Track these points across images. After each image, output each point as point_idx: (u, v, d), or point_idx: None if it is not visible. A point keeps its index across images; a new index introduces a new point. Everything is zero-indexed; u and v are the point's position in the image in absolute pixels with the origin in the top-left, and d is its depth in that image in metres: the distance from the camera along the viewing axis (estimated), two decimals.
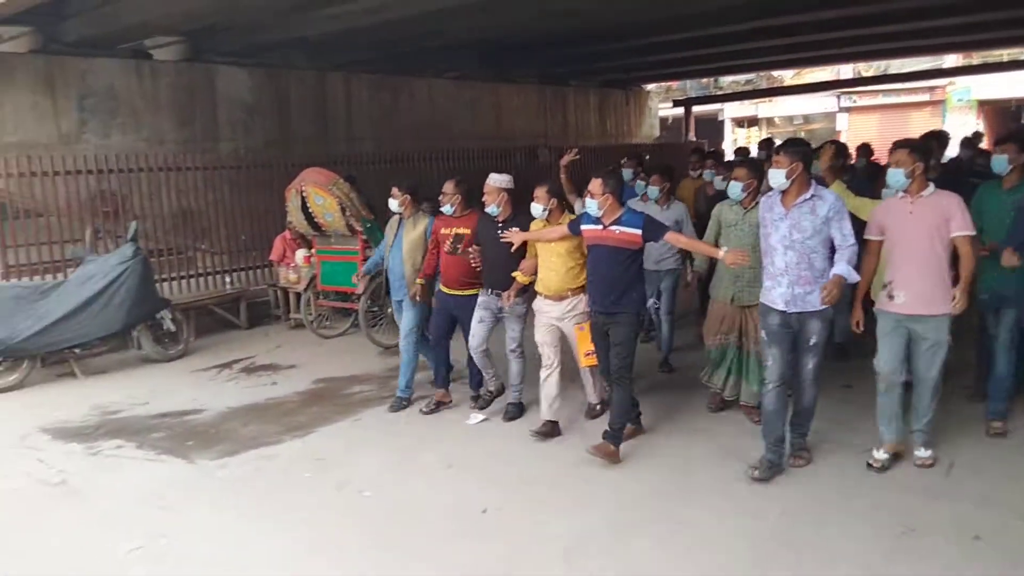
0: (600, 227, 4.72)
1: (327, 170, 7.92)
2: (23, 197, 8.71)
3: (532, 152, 14.02)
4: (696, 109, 21.18)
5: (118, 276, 7.16)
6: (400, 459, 4.97)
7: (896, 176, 4.17)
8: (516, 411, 5.59)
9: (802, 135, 22.74)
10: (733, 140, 25.88)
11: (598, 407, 5.48)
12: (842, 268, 4.11)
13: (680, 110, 21.10)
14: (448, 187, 5.65)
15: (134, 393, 6.59)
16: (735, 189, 5.01)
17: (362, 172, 10.33)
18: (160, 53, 11.25)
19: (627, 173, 7.39)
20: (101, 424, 5.87)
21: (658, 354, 6.70)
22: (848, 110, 24.20)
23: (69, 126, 9.81)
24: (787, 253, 4.22)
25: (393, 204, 5.92)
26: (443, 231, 5.65)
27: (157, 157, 9.77)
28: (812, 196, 4.19)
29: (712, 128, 25.37)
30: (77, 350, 7.19)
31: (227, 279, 9.63)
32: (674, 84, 23.23)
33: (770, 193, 4.39)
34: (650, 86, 19.94)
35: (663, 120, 22.04)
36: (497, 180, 5.42)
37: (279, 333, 8.78)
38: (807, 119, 25.96)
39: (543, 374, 5.19)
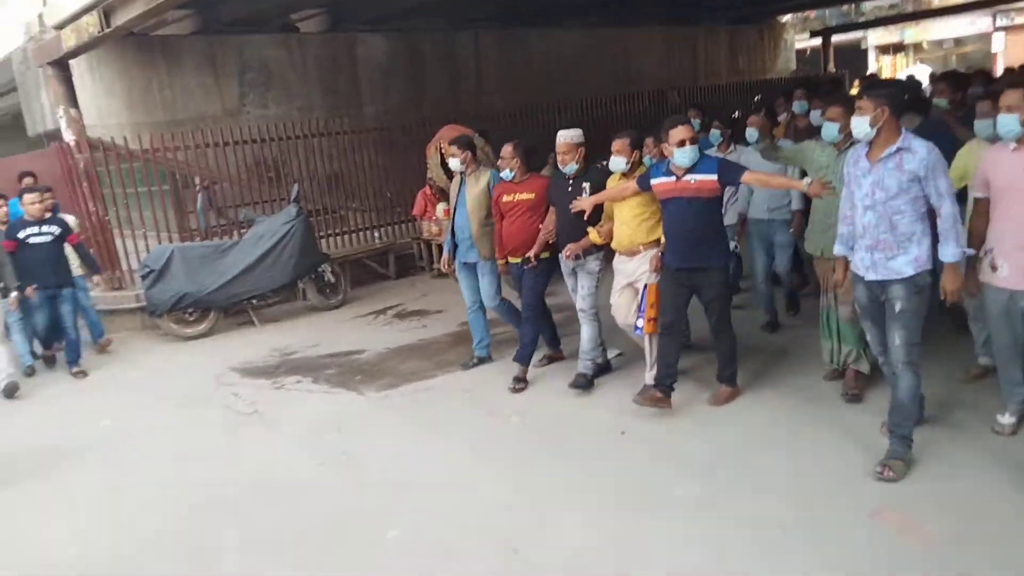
0: (673, 179, 4.44)
1: (462, 126, 8.37)
2: (199, 167, 9.74)
3: (661, 95, 13.95)
4: (837, 38, 20.11)
5: (285, 235, 8.00)
6: (540, 391, 5.39)
7: (1008, 124, 3.58)
8: (584, 383, 5.14)
9: (954, 60, 21.14)
10: (878, 69, 24.32)
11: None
12: (950, 252, 3.55)
13: (818, 40, 20.13)
14: (506, 151, 5.26)
15: (305, 337, 7.42)
16: (830, 131, 4.32)
17: (493, 126, 10.76)
18: (305, 25, 12.08)
19: (695, 124, 6.25)
20: (281, 363, 6.69)
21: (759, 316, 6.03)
22: (1005, 29, 22.06)
23: (231, 100, 10.81)
24: (866, 213, 3.68)
25: (454, 163, 5.61)
26: (505, 199, 5.31)
27: (308, 124, 10.58)
28: (899, 149, 3.56)
29: (854, 57, 23.93)
30: (254, 301, 8.12)
31: (376, 234, 10.38)
32: (812, 14, 22.11)
33: (859, 144, 3.79)
34: (785, 18, 19.14)
35: (800, 52, 21.10)
36: (570, 136, 5.03)
37: (424, 282, 9.45)
38: (959, 42, 23.93)
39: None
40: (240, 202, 9.65)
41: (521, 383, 5.37)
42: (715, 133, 6.04)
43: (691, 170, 4.39)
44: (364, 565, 3.50)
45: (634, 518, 3.61)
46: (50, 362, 7.26)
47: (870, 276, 3.73)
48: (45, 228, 6.65)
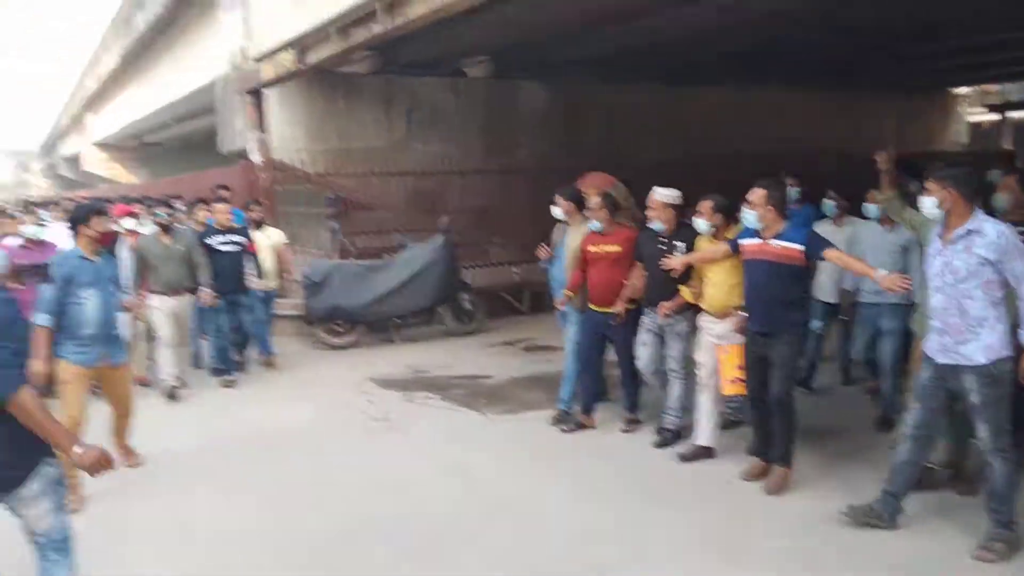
0: (759, 241, 4.48)
1: (605, 174, 8.71)
2: (362, 193, 10.62)
3: (814, 158, 13.74)
4: (1018, 114, 19.05)
5: (431, 262, 8.61)
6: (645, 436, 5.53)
7: None
8: (671, 437, 5.23)
9: None
10: None
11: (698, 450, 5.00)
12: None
13: (996, 116, 19.13)
14: (594, 202, 5.40)
15: (439, 358, 7.94)
16: (928, 205, 3.84)
17: (640, 177, 11.02)
18: (473, 71, 12.91)
19: (792, 192, 6.12)
20: (414, 379, 7.22)
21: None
22: None
23: (399, 135, 11.70)
24: (936, 295, 3.68)
25: (557, 212, 5.70)
26: (591, 249, 5.41)
27: (465, 162, 11.29)
28: (969, 231, 3.55)
29: None
30: (397, 320, 8.74)
31: (513, 269, 10.85)
32: (993, 87, 21.02)
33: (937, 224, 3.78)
34: (961, 90, 18.34)
35: (975, 126, 20.08)
36: (663, 195, 5.14)
37: (554, 320, 9.76)
38: None
39: (702, 395, 4.99)
40: (395, 228, 10.39)
41: (632, 424, 5.60)
42: (828, 204, 5.89)
43: (779, 235, 4.40)
44: (453, 567, 3.82)
45: (721, 566, 3.73)
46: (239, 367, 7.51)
47: (940, 359, 3.70)
48: (231, 238, 7.08)
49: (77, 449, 2.60)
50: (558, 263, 5.77)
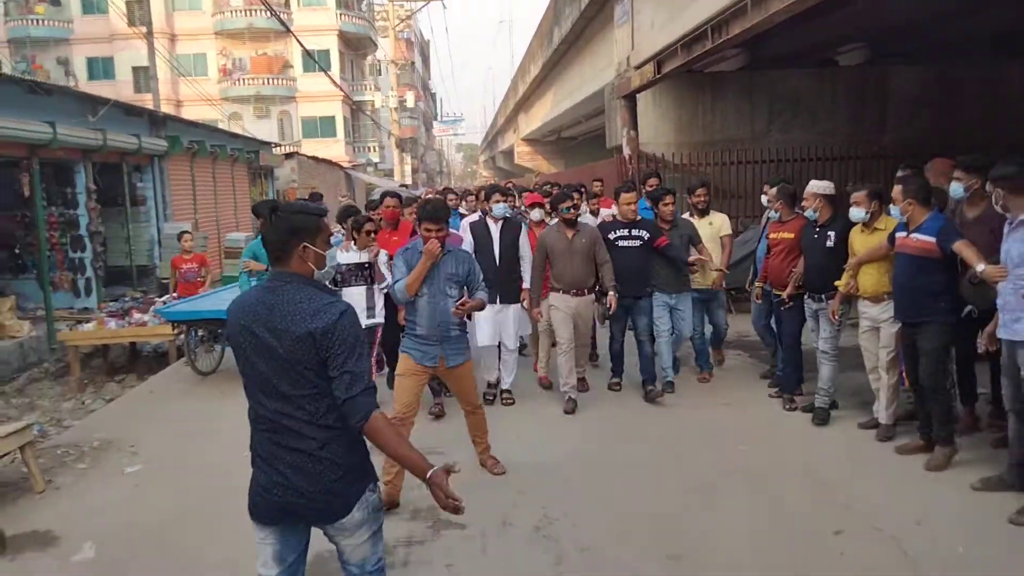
0: (904, 234, 4.67)
1: (950, 160, 8.67)
2: (721, 180, 11.77)
3: None
4: None
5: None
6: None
7: None
8: (824, 415, 5.51)
9: None
10: None
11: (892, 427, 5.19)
12: None
13: None
14: (771, 192, 6.03)
15: None
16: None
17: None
18: (844, 59, 13.14)
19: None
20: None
21: None
22: None
23: (760, 126, 12.57)
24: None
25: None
26: (771, 235, 5.94)
27: (827, 148, 11.73)
28: (1022, 220, 3.88)
29: None
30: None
31: None
32: None
33: None
34: None
35: None
36: (815, 186, 5.44)
37: None
38: None
39: (872, 378, 5.22)
40: (747, 214, 11.36)
41: (792, 403, 5.90)
42: (957, 186, 5.20)
43: (918, 229, 4.57)
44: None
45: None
46: None
47: (1001, 334, 4.09)
48: (634, 231, 6.19)
49: (430, 473, 2.39)
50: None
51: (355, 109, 37.69)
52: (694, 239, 6.35)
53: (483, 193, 6.85)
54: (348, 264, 5.85)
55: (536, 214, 6.71)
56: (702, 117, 12.60)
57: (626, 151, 11.11)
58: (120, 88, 31.20)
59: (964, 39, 11.86)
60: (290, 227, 2.48)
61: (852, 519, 4.09)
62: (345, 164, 32.27)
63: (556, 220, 6.20)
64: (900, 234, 4.72)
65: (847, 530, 3.96)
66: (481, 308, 4.71)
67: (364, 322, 5.57)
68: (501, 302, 6.11)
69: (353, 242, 5.94)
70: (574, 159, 34.92)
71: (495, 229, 6.18)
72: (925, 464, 4.65)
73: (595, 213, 7.60)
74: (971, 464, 4.65)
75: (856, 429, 5.39)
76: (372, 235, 5.95)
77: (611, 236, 6.13)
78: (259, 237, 6.38)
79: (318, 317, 2.39)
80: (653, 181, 7.46)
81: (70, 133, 10.55)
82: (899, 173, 5.40)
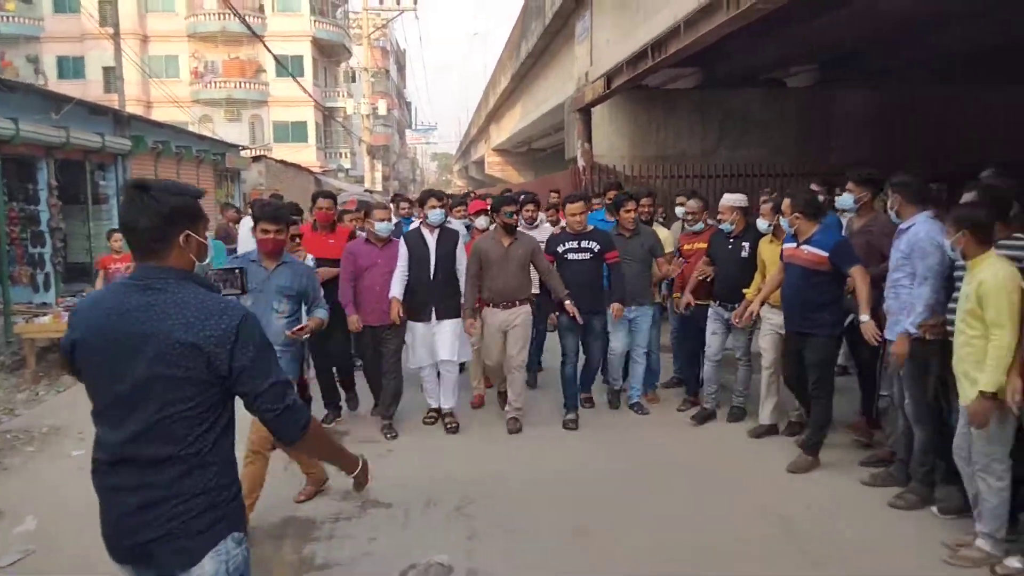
0: (794, 244, 4.84)
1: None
2: (670, 193, 12.18)
3: None
4: None
5: None
6: None
7: None
8: (740, 414, 5.84)
9: None
10: None
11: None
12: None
13: None
14: (692, 205, 6.09)
15: None
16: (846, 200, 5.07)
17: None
18: (794, 80, 13.70)
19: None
20: None
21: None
22: None
23: (710, 142, 13.07)
24: None
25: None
26: (684, 247, 6.17)
27: (774, 165, 12.23)
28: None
29: None
30: None
31: None
32: None
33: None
34: None
35: None
36: (730, 199, 5.68)
37: None
38: None
39: (764, 376, 5.43)
40: None
41: (692, 405, 6.18)
42: (847, 197, 5.24)
43: (808, 240, 4.75)
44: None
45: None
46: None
47: (886, 335, 4.42)
48: (583, 243, 5.81)
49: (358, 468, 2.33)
50: None
51: (327, 115, 37.84)
52: (656, 250, 6.04)
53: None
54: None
55: (481, 221, 6.39)
56: (655, 132, 13.07)
57: (581, 163, 11.51)
58: (90, 88, 31.08)
59: (907, 64, 12.48)
60: (170, 211, 2.03)
61: (750, 505, 4.46)
62: (316, 169, 32.37)
63: (494, 226, 5.91)
64: (789, 245, 4.90)
65: (742, 512, 4.34)
66: (320, 328, 4.30)
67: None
68: (437, 318, 5.68)
69: None
70: (544, 170, 35.35)
71: (431, 239, 5.68)
72: (788, 466, 4.86)
73: (555, 224, 7.33)
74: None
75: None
76: (296, 240, 5.44)
77: (560, 249, 5.77)
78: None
79: (213, 321, 1.96)
80: (613, 193, 6.98)
81: (33, 130, 10.68)
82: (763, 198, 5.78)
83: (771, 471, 4.90)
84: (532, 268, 5.75)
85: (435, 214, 5.72)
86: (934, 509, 4.15)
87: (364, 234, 5.86)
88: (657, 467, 5.06)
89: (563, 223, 6.17)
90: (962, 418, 3.71)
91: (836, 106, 13.19)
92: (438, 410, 5.98)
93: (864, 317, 4.45)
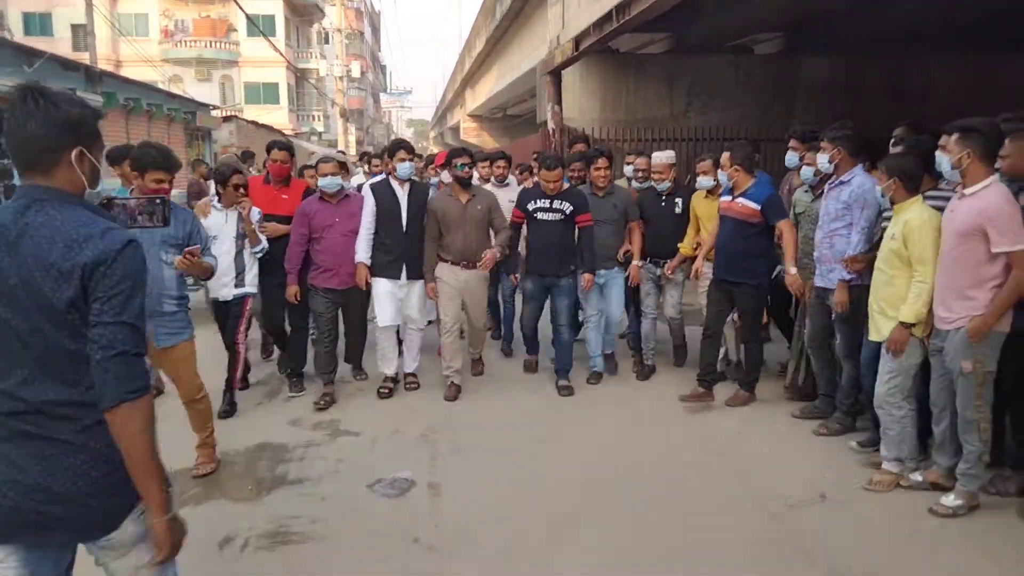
0: (729, 198, 5.01)
1: None
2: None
3: None
4: None
5: None
6: None
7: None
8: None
9: None
10: None
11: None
12: None
13: None
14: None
15: None
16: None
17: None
18: (761, 48, 13.95)
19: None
20: None
21: None
22: None
23: (679, 106, 13.32)
24: None
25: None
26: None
27: (740, 130, 12.51)
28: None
29: None
30: None
31: None
32: None
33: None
34: None
35: None
36: (664, 156, 5.75)
37: None
38: None
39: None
40: None
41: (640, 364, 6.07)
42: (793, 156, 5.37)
43: (744, 194, 4.93)
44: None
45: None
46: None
47: (817, 282, 4.68)
48: (555, 204, 5.45)
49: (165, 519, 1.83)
50: None
51: (299, 76, 37.51)
52: (630, 212, 5.69)
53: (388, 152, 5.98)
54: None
55: (447, 176, 6.06)
56: (625, 97, 13.28)
57: (551, 125, 11.72)
58: (58, 45, 30.43)
59: (872, 33, 12.75)
60: (65, 119, 1.77)
61: (692, 436, 4.84)
62: (288, 132, 32.20)
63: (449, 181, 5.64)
64: (725, 199, 5.11)
65: (682, 438, 4.71)
66: (205, 274, 4.09)
67: (232, 292, 4.98)
68: (408, 278, 5.38)
69: (218, 198, 5.09)
70: (519, 136, 35.45)
71: (402, 192, 5.35)
72: (727, 400, 5.20)
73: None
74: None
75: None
76: (241, 189, 5.04)
77: (530, 207, 5.44)
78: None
79: (91, 245, 1.71)
80: (580, 146, 6.91)
81: (4, 83, 10.68)
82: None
83: (712, 407, 5.24)
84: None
85: (404, 167, 5.34)
86: (853, 444, 4.45)
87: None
88: (613, 413, 5.31)
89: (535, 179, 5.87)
90: (873, 357, 4.06)
91: (802, 72, 13.46)
92: (394, 378, 5.59)
93: (792, 269, 4.78)
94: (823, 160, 4.54)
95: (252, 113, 31.52)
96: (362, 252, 5.29)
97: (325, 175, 5.26)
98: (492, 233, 5.52)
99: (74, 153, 1.78)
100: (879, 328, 3.95)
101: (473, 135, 41.34)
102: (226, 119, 22.85)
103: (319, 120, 41.31)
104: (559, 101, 11.88)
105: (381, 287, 5.37)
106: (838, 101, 13.28)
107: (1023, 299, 3.44)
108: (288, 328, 5.75)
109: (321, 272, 5.32)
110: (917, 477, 3.90)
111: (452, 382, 5.53)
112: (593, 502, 3.84)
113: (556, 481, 4.09)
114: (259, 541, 3.45)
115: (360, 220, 5.31)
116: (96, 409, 1.72)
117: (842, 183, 4.43)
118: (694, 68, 13.33)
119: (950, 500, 3.63)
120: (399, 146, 5.52)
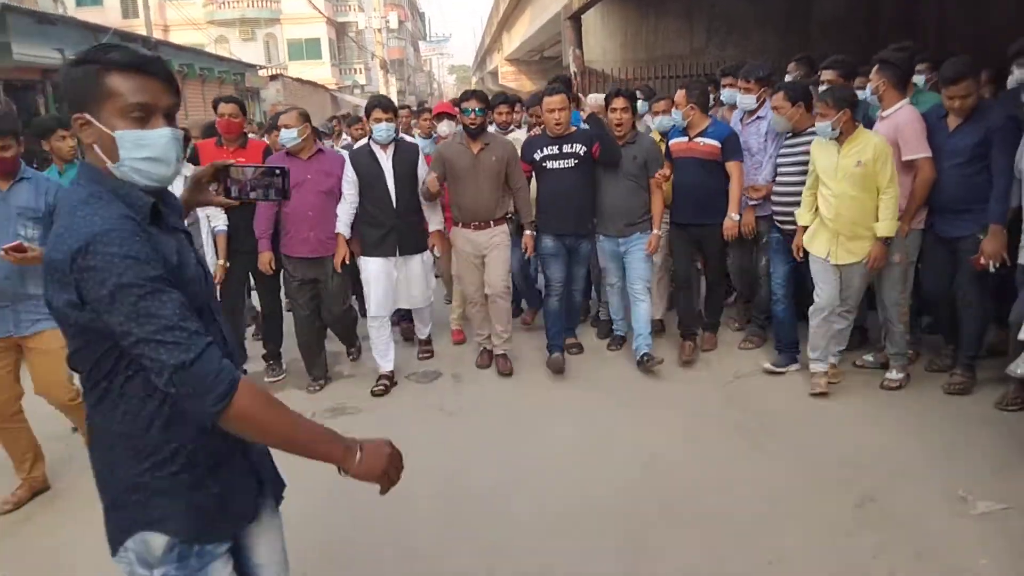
0: (686, 139, 4.81)
1: None
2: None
3: None
4: None
5: None
6: None
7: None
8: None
9: None
10: None
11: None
12: None
13: None
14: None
15: None
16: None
17: None
18: None
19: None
20: None
21: None
22: None
23: (699, 43, 13.83)
24: None
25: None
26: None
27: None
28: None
29: None
30: None
31: None
32: None
33: None
34: None
35: None
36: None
37: None
38: None
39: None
40: None
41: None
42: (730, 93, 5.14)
43: (703, 133, 4.75)
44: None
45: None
46: None
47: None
48: (565, 147, 4.78)
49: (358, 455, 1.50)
50: None
51: (339, 30, 38.32)
52: (651, 165, 4.76)
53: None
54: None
55: (445, 127, 5.68)
56: (645, 36, 13.86)
57: (573, 69, 12.41)
58: (108, 14, 31.76)
59: None
60: (65, 87, 1.50)
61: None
62: (331, 87, 33.19)
63: (458, 127, 4.97)
64: (680, 139, 4.87)
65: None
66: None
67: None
68: (401, 253, 4.76)
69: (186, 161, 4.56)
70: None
71: (384, 157, 4.65)
72: (702, 348, 5.17)
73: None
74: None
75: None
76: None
77: (537, 156, 4.78)
78: None
79: (59, 243, 1.37)
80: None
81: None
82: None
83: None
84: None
85: (381, 129, 4.59)
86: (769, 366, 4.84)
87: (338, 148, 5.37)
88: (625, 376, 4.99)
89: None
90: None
91: (814, 6, 13.80)
92: (390, 376, 4.89)
93: (736, 216, 4.75)
94: (867, 91, 4.43)
95: (296, 70, 32.56)
96: (342, 223, 4.65)
97: (285, 126, 4.55)
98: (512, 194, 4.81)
99: (77, 123, 1.48)
100: (851, 250, 4.17)
101: (512, 79, 41.59)
102: (272, 78, 23.93)
103: (360, 73, 42.17)
104: (580, 45, 12.54)
105: (372, 267, 4.71)
106: (853, 34, 13.59)
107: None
108: (259, 310, 5.40)
109: (290, 238, 4.66)
110: (869, 358, 4.79)
111: (484, 348, 5.13)
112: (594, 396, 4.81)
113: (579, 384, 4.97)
114: (323, 414, 4.55)
115: (337, 180, 4.65)
116: (97, 430, 1.55)
117: (882, 118, 4.30)
118: (711, 5, 13.77)
119: (892, 375, 4.44)
120: (375, 104, 4.71)
